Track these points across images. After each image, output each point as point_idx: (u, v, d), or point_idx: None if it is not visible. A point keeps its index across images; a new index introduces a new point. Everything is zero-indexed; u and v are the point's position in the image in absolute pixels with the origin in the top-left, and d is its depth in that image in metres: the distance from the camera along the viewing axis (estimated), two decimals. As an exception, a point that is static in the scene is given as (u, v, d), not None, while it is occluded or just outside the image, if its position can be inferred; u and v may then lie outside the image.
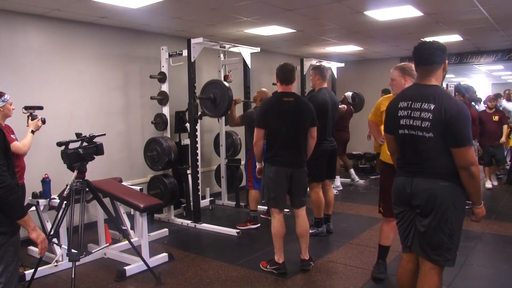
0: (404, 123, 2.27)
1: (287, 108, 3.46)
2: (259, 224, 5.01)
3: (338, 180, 6.98)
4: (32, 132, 3.46)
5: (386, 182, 3.20)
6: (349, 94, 7.36)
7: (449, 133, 2.11)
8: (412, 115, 2.23)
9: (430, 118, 2.15)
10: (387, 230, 3.39)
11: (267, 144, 3.53)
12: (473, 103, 6.43)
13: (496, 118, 6.70)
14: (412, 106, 2.23)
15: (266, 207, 5.37)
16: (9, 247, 1.94)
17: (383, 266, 3.46)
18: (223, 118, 5.95)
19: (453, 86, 8.22)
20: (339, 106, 6.92)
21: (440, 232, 2.20)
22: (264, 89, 5.26)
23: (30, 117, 3.49)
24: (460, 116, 2.10)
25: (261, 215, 5.33)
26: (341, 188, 6.98)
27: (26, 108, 3.51)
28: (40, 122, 3.52)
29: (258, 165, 3.65)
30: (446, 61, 2.28)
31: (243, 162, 5.75)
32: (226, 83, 4.77)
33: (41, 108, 3.60)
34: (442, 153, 2.17)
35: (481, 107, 7.44)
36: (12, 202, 1.89)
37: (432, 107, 2.15)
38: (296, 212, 3.60)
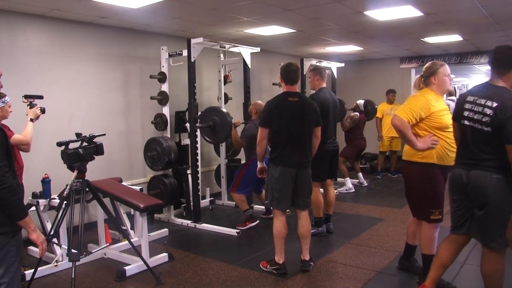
0: (466, 115, 2.58)
1: (292, 108, 3.45)
2: (258, 221, 5.00)
3: (349, 182, 6.95)
4: (31, 120, 3.42)
5: (438, 186, 3.06)
6: (361, 102, 7.33)
7: (504, 130, 2.37)
8: (474, 109, 2.53)
9: (491, 114, 2.42)
10: (435, 237, 3.21)
11: (272, 144, 3.52)
12: None
13: None
14: (477, 102, 2.52)
15: (263, 207, 5.39)
16: (11, 247, 1.95)
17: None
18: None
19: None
20: (352, 115, 6.96)
21: (493, 220, 2.45)
22: (259, 101, 5.21)
23: (29, 106, 3.46)
24: None
25: (261, 215, 5.33)
26: (354, 190, 6.92)
27: (26, 96, 3.48)
28: (39, 110, 3.48)
29: (259, 165, 3.64)
30: None
31: (243, 162, 5.75)
32: (224, 110, 4.73)
33: (41, 97, 3.56)
34: (497, 147, 2.42)
35: None
36: (14, 203, 1.89)
37: (495, 105, 2.41)
38: (298, 212, 3.59)
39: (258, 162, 3.65)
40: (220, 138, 4.81)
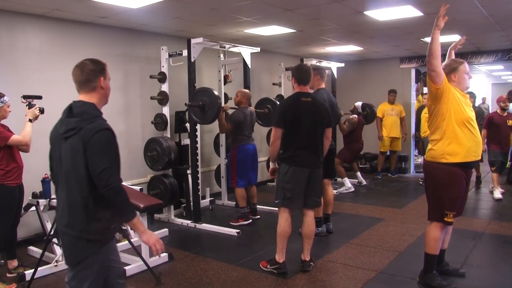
0: None
1: (305, 108, 3.45)
2: (250, 220, 5.12)
3: (348, 182, 6.95)
4: (30, 121, 3.42)
5: (458, 188, 3.05)
6: (359, 104, 7.35)
7: None
8: None
9: None
10: (441, 237, 3.17)
11: (283, 144, 3.49)
12: None
13: (510, 122, 6.31)
14: None
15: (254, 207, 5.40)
16: (96, 261, 1.90)
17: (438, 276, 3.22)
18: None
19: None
20: (351, 117, 6.96)
21: None
22: (244, 90, 5.25)
23: (28, 106, 3.45)
24: None
25: (249, 216, 5.32)
26: (353, 189, 6.93)
27: (25, 97, 3.47)
28: (38, 111, 3.49)
29: (271, 165, 3.63)
30: None
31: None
32: (215, 92, 4.73)
33: (39, 97, 3.56)
34: None
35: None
36: (119, 205, 1.89)
37: None
38: (306, 211, 3.59)
39: (270, 163, 3.66)
40: (209, 119, 4.74)
